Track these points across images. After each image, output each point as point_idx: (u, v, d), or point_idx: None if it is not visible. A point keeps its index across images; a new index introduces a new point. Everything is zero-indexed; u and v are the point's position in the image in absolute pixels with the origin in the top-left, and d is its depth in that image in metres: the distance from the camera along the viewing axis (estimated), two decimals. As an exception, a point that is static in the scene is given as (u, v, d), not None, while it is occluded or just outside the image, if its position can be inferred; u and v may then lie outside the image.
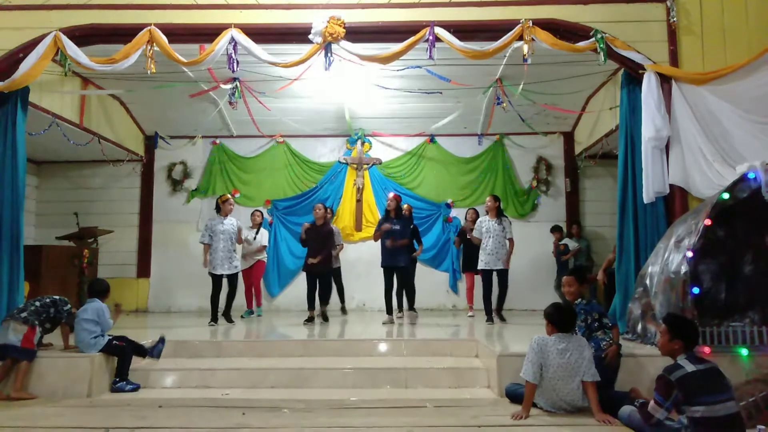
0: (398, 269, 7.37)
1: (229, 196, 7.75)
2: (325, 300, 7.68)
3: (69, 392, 4.66)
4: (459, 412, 4.16)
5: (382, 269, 7.45)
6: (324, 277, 7.53)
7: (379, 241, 7.43)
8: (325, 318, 7.57)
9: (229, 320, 7.40)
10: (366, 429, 3.75)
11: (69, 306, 5.14)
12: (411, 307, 7.69)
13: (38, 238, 9.24)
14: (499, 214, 7.37)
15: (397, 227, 7.32)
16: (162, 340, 5.30)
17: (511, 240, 7.32)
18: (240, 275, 7.69)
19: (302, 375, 5.07)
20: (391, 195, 7.87)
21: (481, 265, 7.29)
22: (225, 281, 7.39)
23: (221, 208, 7.45)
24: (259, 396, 4.65)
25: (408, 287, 7.56)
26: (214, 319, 7.25)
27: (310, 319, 7.33)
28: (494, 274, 7.27)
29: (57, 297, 5.18)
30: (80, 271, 8.43)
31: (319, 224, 7.41)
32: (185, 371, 5.16)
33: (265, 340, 6.31)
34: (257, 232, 8.30)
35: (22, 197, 6.10)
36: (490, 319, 7.23)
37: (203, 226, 7.58)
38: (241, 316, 8.01)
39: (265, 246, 8.41)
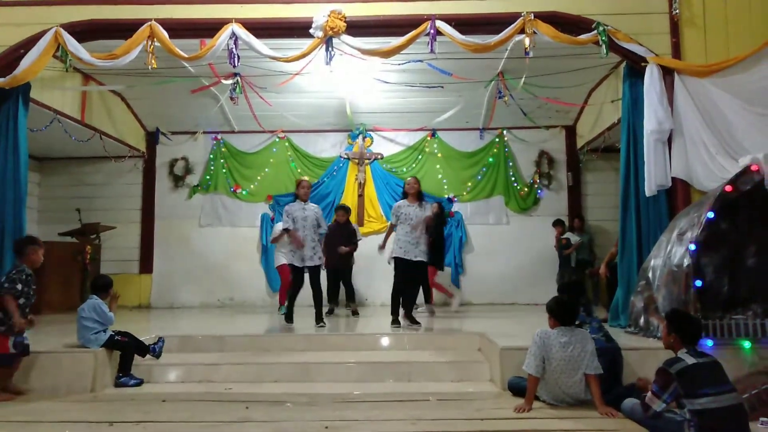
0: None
1: (304, 178, 7.19)
2: (351, 296, 7.99)
3: (72, 387, 4.65)
4: (462, 405, 4.17)
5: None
6: (347, 274, 7.93)
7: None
8: (354, 312, 7.82)
9: (319, 320, 6.42)
10: (370, 422, 3.75)
11: (30, 277, 4.61)
12: (428, 301, 7.64)
13: (41, 234, 9.18)
14: (420, 197, 6.56)
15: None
16: (161, 340, 5.26)
17: (427, 218, 6.37)
18: (283, 269, 7.15)
19: (306, 369, 5.08)
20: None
21: (397, 253, 6.33)
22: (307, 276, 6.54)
23: (297, 194, 6.69)
24: (262, 390, 4.65)
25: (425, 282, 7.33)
26: (289, 318, 6.42)
27: (330, 311, 7.66)
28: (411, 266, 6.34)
29: (16, 273, 4.54)
30: (83, 267, 8.47)
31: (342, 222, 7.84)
32: (188, 366, 5.17)
33: (268, 335, 6.31)
34: None
35: (24, 194, 6.12)
36: (395, 321, 6.33)
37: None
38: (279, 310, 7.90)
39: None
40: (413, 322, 6.39)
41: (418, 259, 6.33)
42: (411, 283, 6.52)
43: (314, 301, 6.48)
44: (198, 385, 4.88)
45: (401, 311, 6.42)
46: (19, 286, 4.49)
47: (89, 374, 4.71)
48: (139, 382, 4.88)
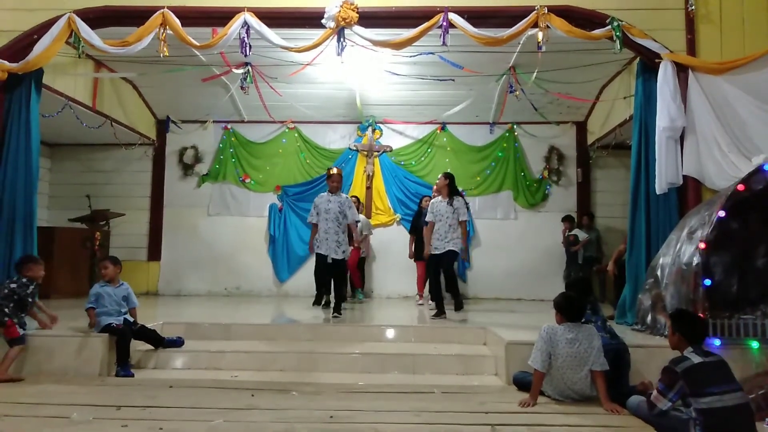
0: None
1: (334, 170, 7.06)
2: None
3: (80, 371, 4.71)
4: (466, 398, 4.18)
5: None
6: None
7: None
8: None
9: (337, 312, 6.47)
10: (374, 412, 3.76)
11: (32, 287, 4.84)
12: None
13: (51, 220, 9.33)
14: (451, 194, 6.71)
15: None
16: (180, 342, 5.29)
17: (462, 222, 6.71)
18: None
19: (311, 359, 5.11)
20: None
21: (432, 251, 6.68)
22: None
23: (327, 185, 6.89)
24: (268, 378, 4.68)
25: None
26: (318, 300, 6.69)
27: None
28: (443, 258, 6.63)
29: (14, 283, 4.79)
30: (92, 254, 8.53)
31: None
32: (195, 353, 5.21)
33: (274, 324, 6.35)
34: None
35: (35, 179, 6.13)
36: (441, 312, 6.54)
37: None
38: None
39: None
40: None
41: (448, 249, 6.56)
42: (446, 273, 6.68)
43: (334, 292, 6.66)
44: (204, 372, 4.93)
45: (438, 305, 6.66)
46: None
47: (97, 359, 4.76)
48: (128, 374, 4.74)
